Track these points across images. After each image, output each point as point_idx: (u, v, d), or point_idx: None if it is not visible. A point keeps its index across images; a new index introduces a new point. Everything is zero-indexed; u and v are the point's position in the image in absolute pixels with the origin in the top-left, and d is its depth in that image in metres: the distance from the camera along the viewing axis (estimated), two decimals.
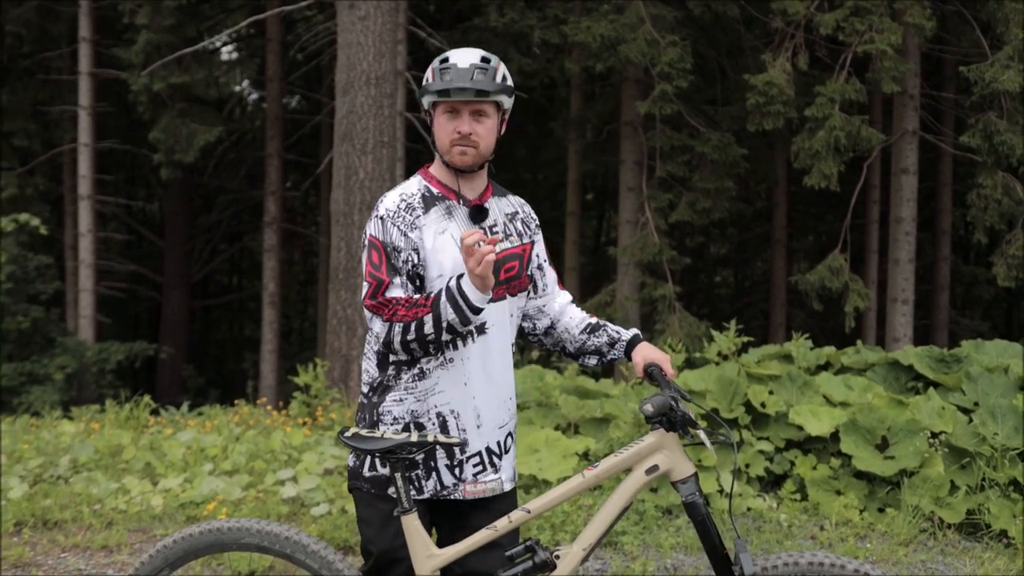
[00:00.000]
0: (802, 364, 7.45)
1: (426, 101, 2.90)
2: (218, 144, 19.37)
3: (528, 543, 2.74)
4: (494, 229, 2.98)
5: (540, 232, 3.19)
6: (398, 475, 2.73)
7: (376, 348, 2.93)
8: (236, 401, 9.81)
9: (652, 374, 2.93)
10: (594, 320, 3.18)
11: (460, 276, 2.74)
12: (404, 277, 2.82)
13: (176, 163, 16.80)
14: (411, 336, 2.75)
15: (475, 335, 2.88)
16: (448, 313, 2.72)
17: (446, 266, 2.84)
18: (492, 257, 2.63)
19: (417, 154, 18.09)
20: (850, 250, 14.13)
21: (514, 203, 3.14)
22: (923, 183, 16.04)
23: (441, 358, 2.87)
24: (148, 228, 24.77)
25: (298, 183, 24.46)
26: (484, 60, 2.85)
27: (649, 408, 2.68)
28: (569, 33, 13.33)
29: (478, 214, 2.94)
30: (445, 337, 2.77)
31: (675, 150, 14.24)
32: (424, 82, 2.90)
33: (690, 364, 9.02)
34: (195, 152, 16.47)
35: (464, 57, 2.84)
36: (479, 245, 2.63)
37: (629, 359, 3.09)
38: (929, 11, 12.23)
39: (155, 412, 9.55)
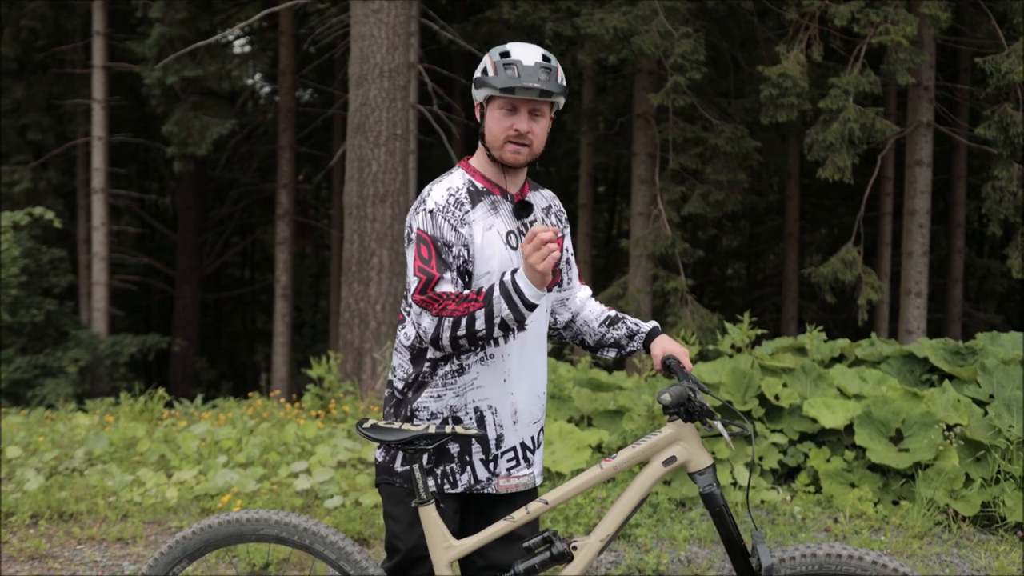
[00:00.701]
0: (816, 356, 7.43)
1: (481, 94, 2.83)
2: (231, 137, 19.44)
3: (546, 534, 2.73)
4: (534, 224, 2.95)
5: (568, 225, 3.16)
6: (416, 466, 2.74)
7: (409, 344, 2.90)
8: (249, 394, 9.84)
9: (670, 366, 2.93)
10: (613, 313, 3.18)
11: (514, 271, 2.70)
12: (454, 272, 2.77)
13: (189, 156, 16.86)
14: (461, 332, 2.70)
15: (515, 332, 2.87)
16: (502, 309, 2.67)
17: (493, 263, 2.82)
18: (557, 254, 2.61)
19: (429, 147, 18.12)
20: (863, 243, 14.08)
21: (546, 197, 3.11)
22: (937, 175, 15.99)
23: (481, 354, 2.85)
24: (161, 221, 24.87)
25: (310, 176, 24.51)
26: (546, 59, 2.80)
27: (667, 397, 2.67)
28: (582, 25, 13.29)
29: (523, 209, 2.90)
30: (497, 333, 2.71)
31: (688, 142, 14.20)
32: (481, 74, 2.83)
33: (703, 357, 9.02)
34: (208, 145, 16.51)
35: (528, 54, 2.79)
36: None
37: (647, 351, 3.08)
38: (944, 2, 12.16)
39: (169, 405, 9.59)
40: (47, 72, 18.85)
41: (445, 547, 2.76)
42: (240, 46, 22.59)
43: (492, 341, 2.83)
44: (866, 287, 13.20)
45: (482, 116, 2.87)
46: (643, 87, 14.63)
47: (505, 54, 2.80)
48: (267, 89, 25.19)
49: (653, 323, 3.15)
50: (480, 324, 2.69)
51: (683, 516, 5.78)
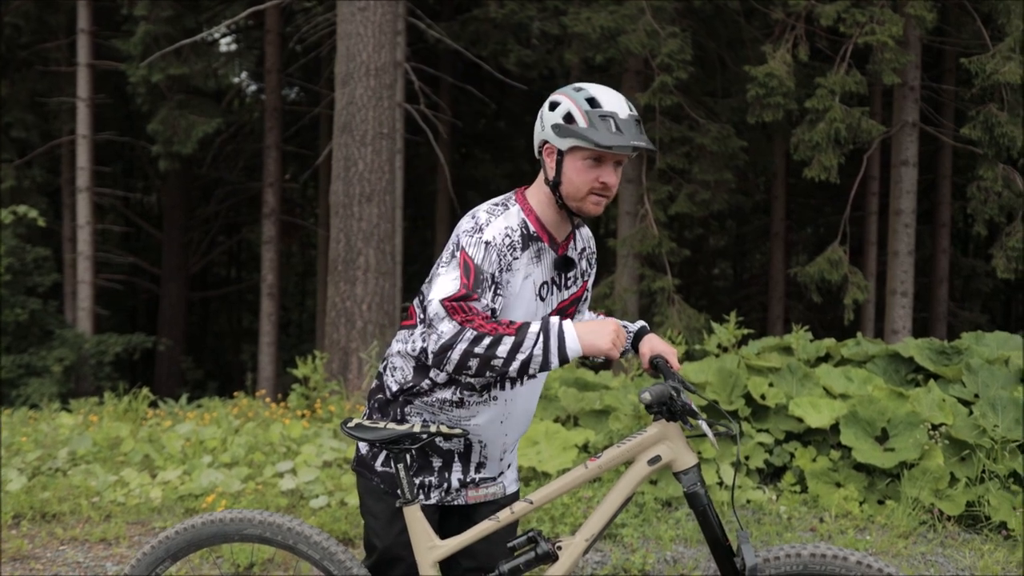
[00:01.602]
0: (802, 356, 7.44)
1: (566, 143, 2.66)
2: (216, 136, 19.37)
3: (530, 534, 2.72)
4: (568, 275, 2.90)
5: (595, 266, 3.07)
6: (401, 466, 2.72)
7: (416, 353, 2.80)
8: (235, 393, 9.79)
9: (657, 365, 2.91)
10: (602, 317, 3.16)
11: (561, 319, 2.61)
12: (488, 302, 2.64)
13: (174, 155, 16.78)
14: (479, 350, 2.55)
15: (525, 379, 2.83)
16: (535, 347, 2.56)
17: (518, 312, 2.73)
18: (616, 354, 2.61)
19: (416, 146, 18.08)
20: (849, 242, 14.12)
21: (584, 238, 2.99)
22: (923, 175, 16.04)
23: (485, 395, 2.80)
24: (146, 220, 24.76)
25: (296, 175, 24.45)
26: (630, 107, 2.69)
27: (647, 397, 2.64)
28: (569, 24, 13.29)
29: (565, 266, 2.82)
30: (512, 369, 2.57)
31: (675, 142, 14.21)
32: (563, 120, 2.67)
33: (690, 356, 9.03)
34: (193, 144, 16.44)
35: (619, 104, 2.66)
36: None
37: (636, 351, 3.06)
38: (930, 2, 12.20)
39: (154, 404, 9.54)
40: (31, 69, 18.74)
41: (429, 547, 2.75)
42: (226, 44, 22.51)
43: (497, 385, 2.80)
44: (852, 287, 13.24)
45: (558, 162, 2.70)
46: (630, 86, 14.63)
47: (593, 101, 2.65)
48: (253, 87, 25.11)
49: (642, 322, 3.12)
50: (502, 351, 2.54)
51: (669, 516, 5.77)
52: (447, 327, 2.58)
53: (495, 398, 2.81)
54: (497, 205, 2.78)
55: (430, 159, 18.65)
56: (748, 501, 6.02)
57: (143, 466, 6.70)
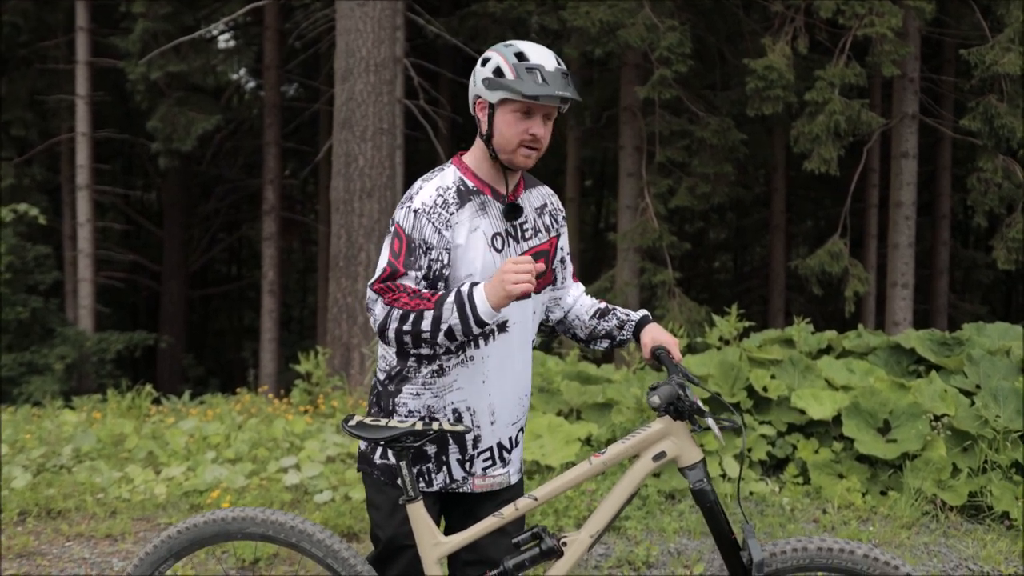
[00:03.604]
0: (804, 348, 7.44)
1: (496, 96, 2.70)
2: (216, 132, 19.37)
3: (535, 530, 2.72)
4: (524, 226, 2.90)
5: (565, 224, 3.10)
6: (403, 463, 2.72)
7: None
8: (237, 390, 9.80)
9: (660, 357, 2.89)
10: (603, 305, 3.15)
11: (474, 284, 2.66)
12: (420, 273, 2.73)
13: (174, 152, 16.80)
14: (407, 327, 2.66)
15: (496, 333, 2.84)
16: (452, 317, 2.63)
17: (476, 265, 2.77)
18: (529, 287, 2.59)
19: (416, 141, 18.08)
20: (850, 235, 14.13)
21: (543, 195, 3.04)
22: (923, 167, 16.04)
23: (461, 356, 2.81)
24: (146, 217, 24.76)
25: (297, 171, 24.44)
26: (558, 62, 2.73)
27: (656, 400, 2.64)
28: (568, 18, 13.28)
29: (512, 212, 2.83)
30: (442, 340, 2.67)
31: (674, 135, 14.22)
32: (492, 74, 2.71)
33: (691, 349, 9.03)
34: (193, 141, 16.46)
35: (546, 58, 2.71)
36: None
37: (637, 340, 3.06)
38: None
39: (156, 401, 9.55)
40: (30, 67, 18.75)
41: (433, 544, 2.75)
42: (224, 41, 22.47)
43: (470, 343, 2.80)
44: (853, 279, 13.25)
45: (490, 116, 2.75)
46: (629, 80, 14.63)
47: (521, 55, 2.70)
48: (252, 84, 25.09)
49: (643, 311, 3.12)
50: (425, 325, 2.64)
51: (672, 508, 5.78)
52: (379, 310, 2.71)
53: (471, 357, 2.83)
54: (434, 170, 2.89)
55: (430, 155, 18.63)
56: (751, 493, 6.03)
57: (147, 462, 6.71)
